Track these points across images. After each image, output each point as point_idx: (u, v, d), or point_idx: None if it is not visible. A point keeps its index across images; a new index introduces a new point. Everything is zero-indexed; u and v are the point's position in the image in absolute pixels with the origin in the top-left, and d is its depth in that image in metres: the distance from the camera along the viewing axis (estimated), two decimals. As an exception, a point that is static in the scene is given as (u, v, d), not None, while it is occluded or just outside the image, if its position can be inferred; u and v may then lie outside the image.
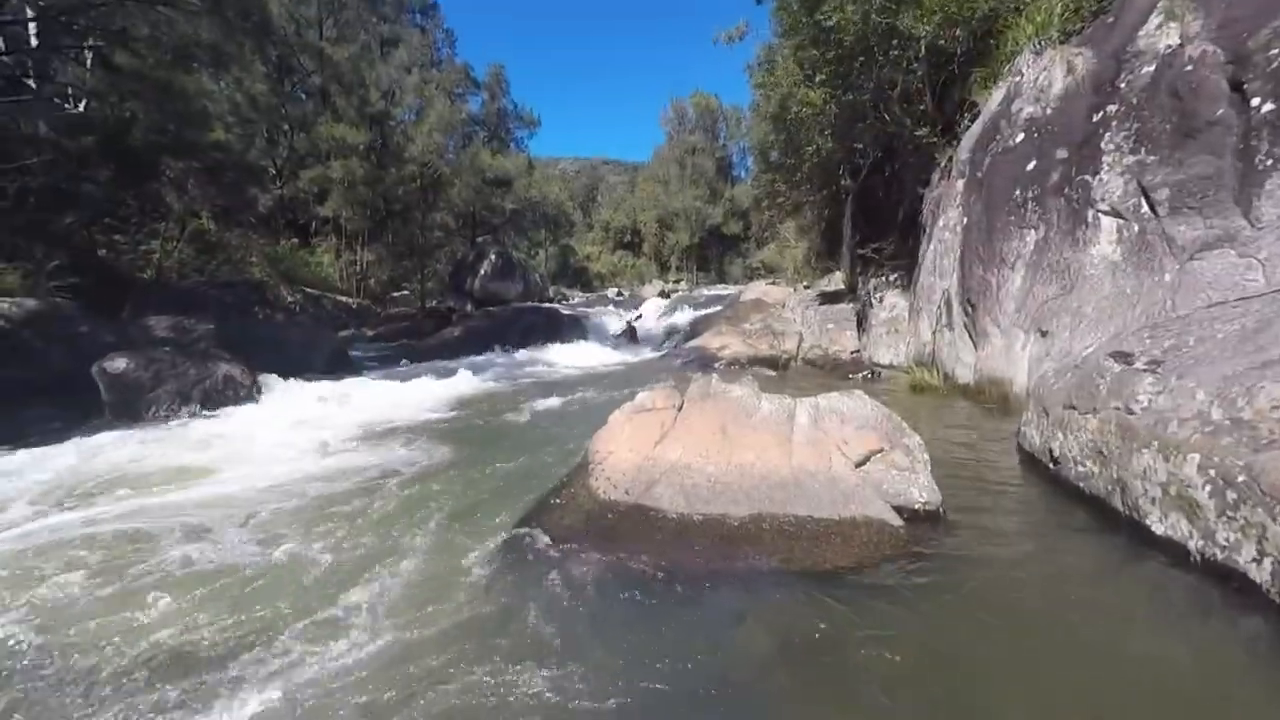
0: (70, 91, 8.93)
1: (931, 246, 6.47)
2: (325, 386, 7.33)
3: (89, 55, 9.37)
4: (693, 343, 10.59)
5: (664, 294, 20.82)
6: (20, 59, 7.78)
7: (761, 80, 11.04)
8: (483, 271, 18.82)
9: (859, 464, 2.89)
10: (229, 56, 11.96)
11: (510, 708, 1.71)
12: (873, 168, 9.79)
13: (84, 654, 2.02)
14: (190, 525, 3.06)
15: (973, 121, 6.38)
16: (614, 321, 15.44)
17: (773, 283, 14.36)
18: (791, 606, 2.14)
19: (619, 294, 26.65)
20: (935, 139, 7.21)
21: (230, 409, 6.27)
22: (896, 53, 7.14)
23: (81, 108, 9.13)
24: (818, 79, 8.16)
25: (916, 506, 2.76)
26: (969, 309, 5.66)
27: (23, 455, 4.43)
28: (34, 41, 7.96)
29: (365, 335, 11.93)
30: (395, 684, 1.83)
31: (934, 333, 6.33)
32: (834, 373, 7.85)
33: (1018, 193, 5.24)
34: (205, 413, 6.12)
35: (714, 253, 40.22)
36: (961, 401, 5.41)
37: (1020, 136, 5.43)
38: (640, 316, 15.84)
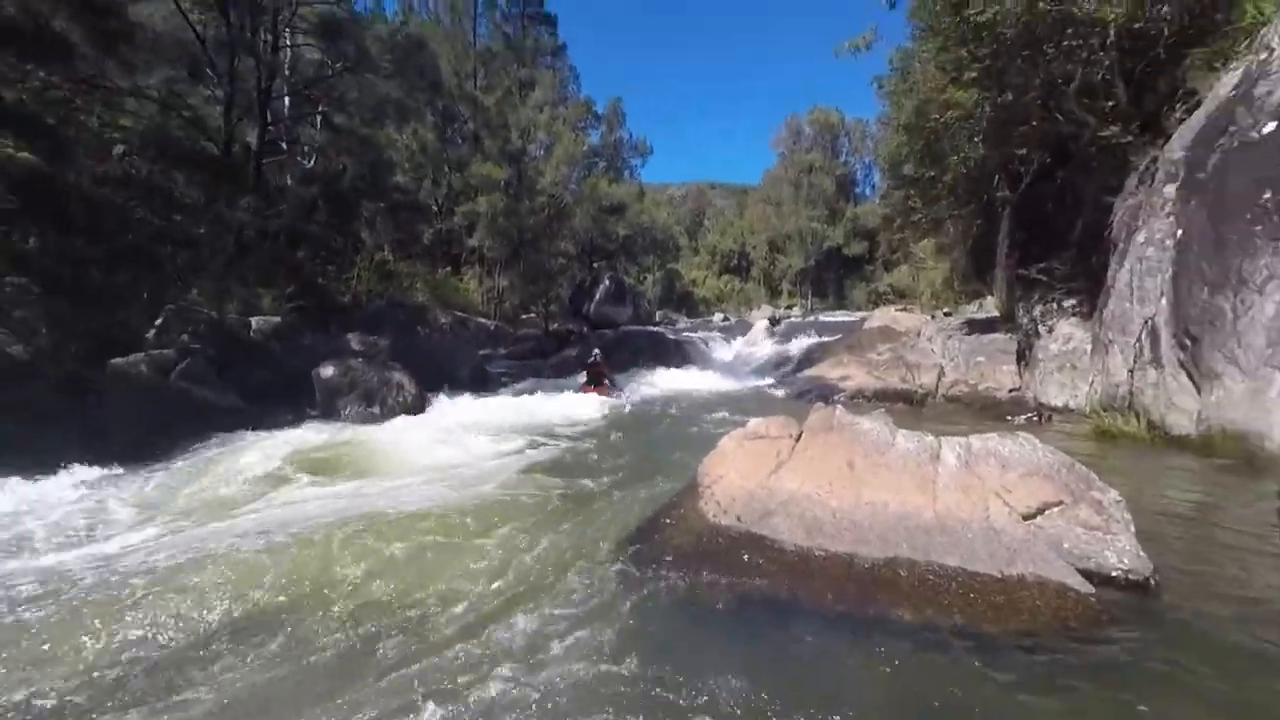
0: (305, 150, 11.44)
1: (1127, 266, 5.50)
2: (470, 399, 8.39)
3: (318, 119, 11.94)
4: (807, 372, 10.10)
5: (774, 320, 20.18)
6: (278, 127, 10.21)
7: (894, 88, 10.39)
8: (597, 296, 19.98)
9: (1028, 516, 2.54)
10: (410, 110, 14.41)
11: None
12: (1038, 175, 8.58)
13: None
14: (356, 510, 3.58)
15: (1188, 113, 5.35)
16: (719, 347, 15.30)
17: (904, 308, 13.23)
18: (936, 666, 1.92)
19: (725, 319, 26.39)
20: (1129, 137, 6.13)
21: (399, 413, 7.39)
22: (1072, 43, 6.29)
23: (310, 163, 11.65)
24: (965, 79, 7.46)
25: (1113, 573, 2.34)
26: (1187, 342, 4.68)
27: (265, 439, 5.65)
28: (287, 112, 10.43)
29: (500, 354, 13.30)
30: (494, 682, 1.89)
31: (1131, 371, 5.33)
32: (986, 413, 6.91)
33: (1268, 195, 4.26)
34: (380, 414, 7.28)
35: (832, 276, 38.14)
36: (1177, 456, 4.46)
37: (1271, 126, 4.43)
38: (746, 343, 15.56)
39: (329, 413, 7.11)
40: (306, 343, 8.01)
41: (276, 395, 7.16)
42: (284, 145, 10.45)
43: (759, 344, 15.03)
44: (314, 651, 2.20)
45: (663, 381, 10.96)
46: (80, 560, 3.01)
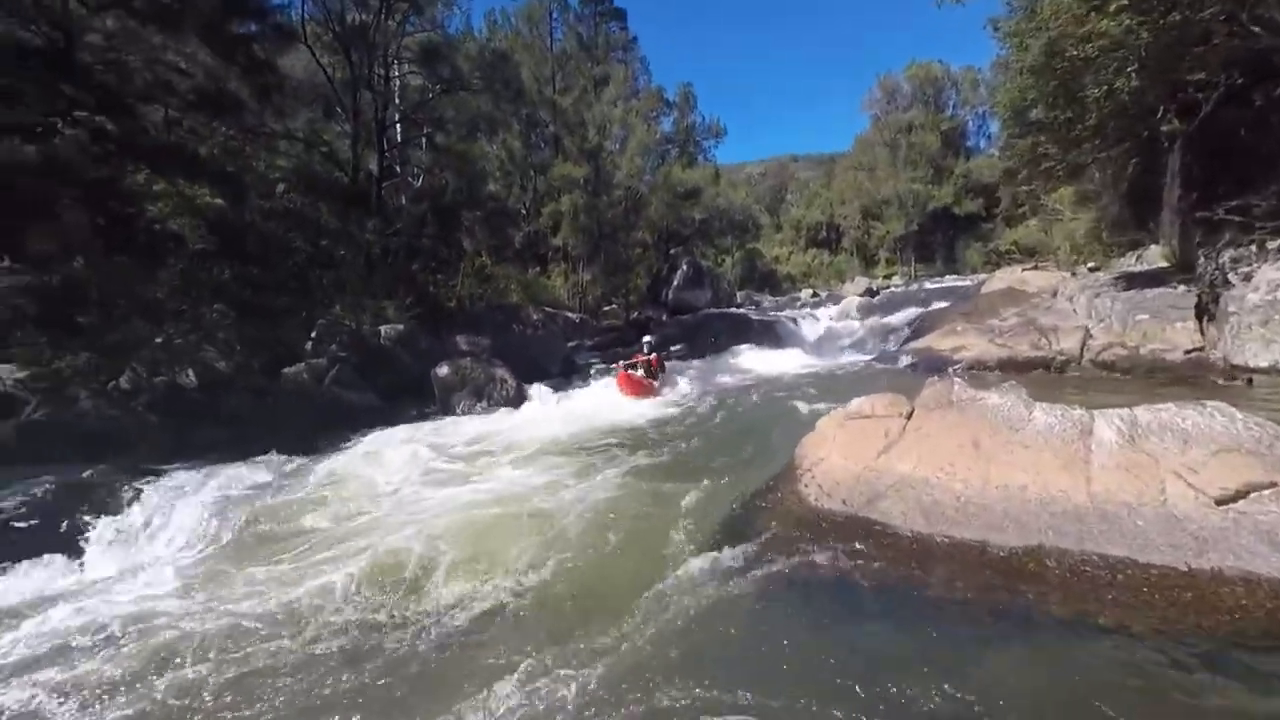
0: (414, 170, 12.70)
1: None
2: (562, 389, 8.96)
3: (423, 141, 13.14)
4: (913, 345, 9.27)
5: (871, 291, 18.84)
6: (392, 152, 11.43)
7: (1015, 28, 9.14)
8: (675, 282, 20.01)
9: (1224, 501, 2.18)
10: (499, 122, 15.31)
11: (715, 710, 1.68)
12: (1224, 100, 7.08)
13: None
14: (482, 492, 4.02)
15: None
16: (808, 324, 14.66)
17: (1033, 267, 11.73)
18: (1102, 663, 1.72)
19: (814, 295, 25.09)
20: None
21: (502, 405, 8.08)
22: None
23: (418, 182, 12.90)
24: (1113, 7, 6.38)
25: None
26: None
27: (400, 430, 6.50)
28: (399, 138, 11.65)
29: (586, 345, 13.90)
30: (597, 660, 1.94)
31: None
32: (1152, 378, 6.00)
33: None
34: (488, 406, 8.03)
35: (939, 239, 34.68)
36: None
37: None
38: (839, 318, 14.78)
39: (446, 407, 7.97)
40: (424, 346, 8.99)
41: (404, 394, 8.15)
42: (398, 168, 11.68)
43: (854, 318, 14.18)
44: (452, 611, 2.52)
45: (748, 363, 10.73)
46: (280, 528, 3.79)
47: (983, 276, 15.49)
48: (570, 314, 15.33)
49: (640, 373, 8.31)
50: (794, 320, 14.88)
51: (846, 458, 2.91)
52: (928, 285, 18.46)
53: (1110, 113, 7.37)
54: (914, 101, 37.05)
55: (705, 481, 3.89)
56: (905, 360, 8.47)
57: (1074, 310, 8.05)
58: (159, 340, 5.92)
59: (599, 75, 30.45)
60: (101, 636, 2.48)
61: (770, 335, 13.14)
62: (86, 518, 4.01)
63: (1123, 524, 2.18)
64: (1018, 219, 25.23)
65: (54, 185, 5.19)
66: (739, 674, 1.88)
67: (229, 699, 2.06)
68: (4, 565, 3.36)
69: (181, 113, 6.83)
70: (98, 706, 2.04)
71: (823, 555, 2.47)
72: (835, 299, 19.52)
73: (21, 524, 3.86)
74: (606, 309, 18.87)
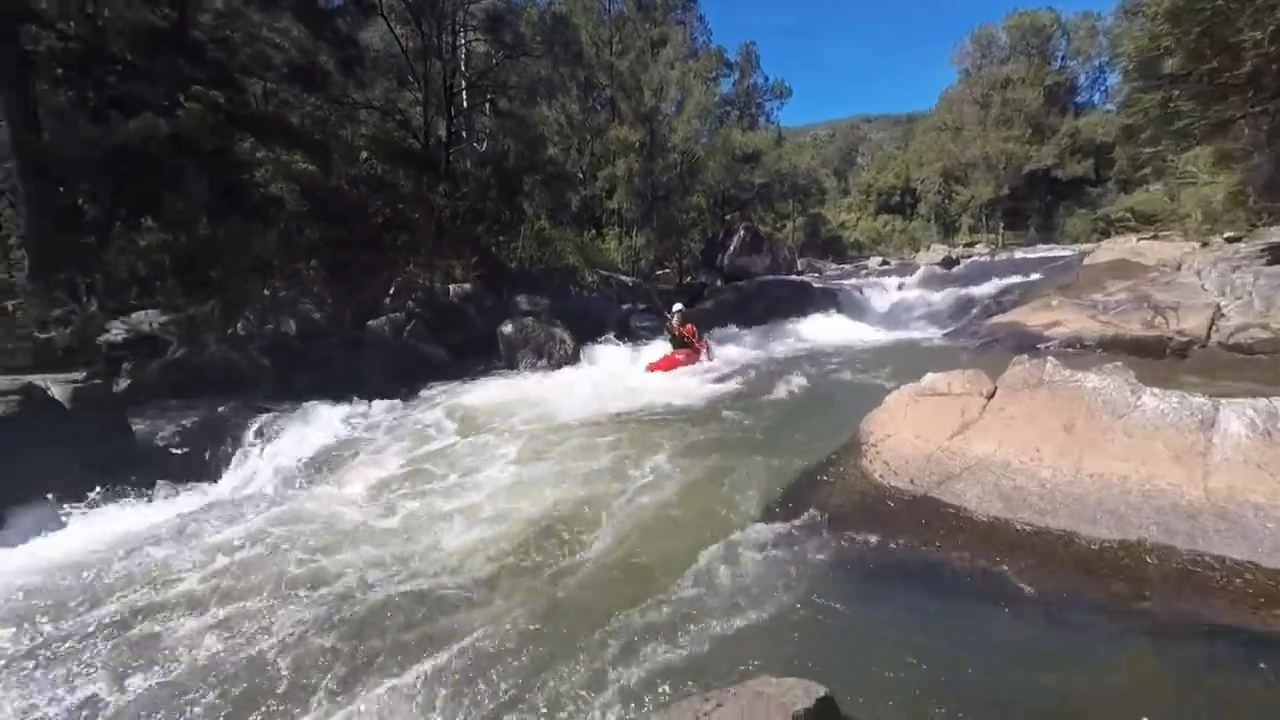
0: (479, 135, 13.14)
1: None
2: (617, 350, 9.22)
3: (487, 106, 13.48)
4: (997, 319, 8.54)
5: (950, 260, 17.54)
6: (459, 118, 11.88)
7: None
8: (731, 247, 19.56)
9: None
10: (557, 86, 15.36)
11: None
12: None
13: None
14: (543, 448, 4.34)
15: None
16: (876, 294, 13.94)
17: (1153, 236, 10.49)
18: (1211, 670, 1.62)
19: (883, 263, 23.71)
20: None
21: (562, 364, 8.50)
22: None
23: (482, 147, 13.34)
24: None
25: None
26: None
27: (469, 385, 7.05)
28: (465, 104, 12.05)
29: (638, 309, 14.08)
30: (651, 636, 1.94)
31: None
32: None
33: None
34: (548, 364, 8.46)
35: (1035, 205, 31.56)
36: None
37: None
38: (903, 286, 14.01)
39: (511, 364, 8.49)
40: (488, 305, 9.54)
41: (471, 349, 8.75)
42: (463, 134, 12.13)
43: (929, 288, 13.30)
44: (493, 563, 2.68)
45: (808, 333, 10.42)
46: (366, 465, 4.33)
47: (1087, 247, 14.02)
48: (624, 277, 15.51)
49: (690, 349, 7.91)
50: (860, 289, 14.09)
51: (917, 436, 2.82)
52: (1018, 255, 16.91)
53: (1271, 58, 6.27)
54: (1013, 54, 33.20)
55: (762, 451, 3.83)
56: (986, 336, 7.85)
57: (1202, 286, 7.07)
58: (266, 293, 6.72)
59: (656, 36, 29.40)
60: (233, 547, 2.99)
61: (833, 304, 12.56)
62: (219, 447, 4.77)
63: (1247, 525, 2.01)
64: (1136, 183, 22.28)
65: (182, 154, 5.97)
66: (801, 648, 1.89)
67: (327, 593, 2.55)
68: (161, 483, 4.06)
69: (277, 85, 7.50)
70: (232, 605, 2.51)
71: (888, 532, 2.41)
72: (908, 268, 18.22)
73: (174, 450, 4.63)
74: (660, 273, 18.91)
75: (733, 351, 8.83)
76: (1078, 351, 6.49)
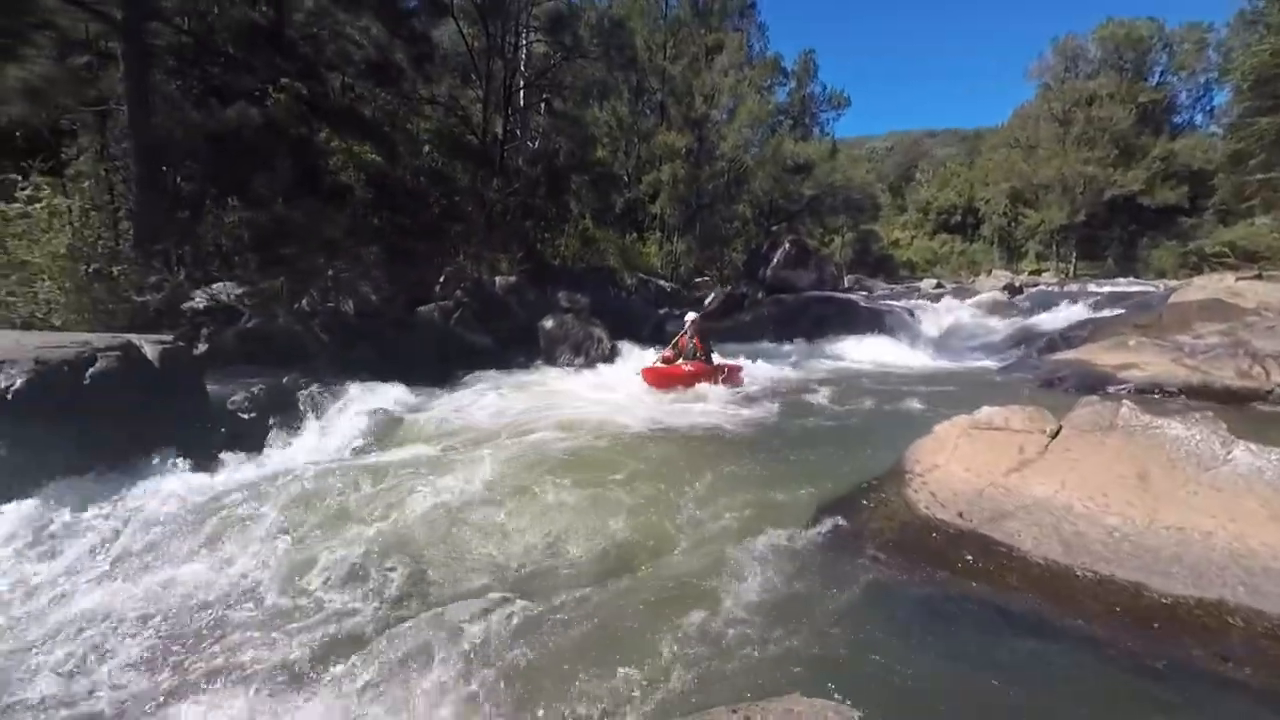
0: (532, 133, 13.60)
1: None
2: (653, 355, 9.31)
3: (542, 105, 13.92)
4: (1064, 355, 8.16)
5: (1013, 288, 16.80)
6: (515, 116, 12.34)
7: None
8: (775, 259, 19.34)
9: None
10: (610, 88, 15.67)
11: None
12: None
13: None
14: (577, 444, 4.44)
15: None
16: (928, 317, 13.43)
17: (1255, 275, 9.76)
18: None
19: (938, 286, 22.90)
20: None
21: (598, 362, 8.68)
22: None
23: (534, 145, 13.78)
24: None
25: None
26: None
27: (510, 376, 7.30)
28: (522, 102, 12.52)
29: (676, 314, 14.18)
30: (688, 647, 1.90)
31: None
32: None
33: None
34: (585, 362, 8.66)
35: (1115, 234, 29.72)
36: None
37: None
38: (957, 311, 13.52)
39: (550, 358, 8.74)
40: (530, 299, 9.85)
41: (513, 341, 9.05)
42: (518, 131, 12.58)
43: (987, 316, 12.78)
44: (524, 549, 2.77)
45: (852, 353, 10.18)
46: (416, 440, 4.59)
47: (1174, 284, 13.14)
48: (663, 282, 15.66)
49: (673, 359, 6.90)
50: (910, 311, 13.59)
51: (969, 469, 2.74)
52: (1091, 288, 15.89)
53: None
54: (1102, 67, 31.20)
55: (799, 469, 3.75)
56: (1049, 372, 7.39)
57: (1316, 332, 6.47)
58: (330, 272, 7.18)
59: (711, 43, 29.49)
60: (296, 503, 3.25)
61: (880, 326, 12.13)
62: (283, 414, 5.14)
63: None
64: (1239, 215, 20.56)
65: (271, 140, 6.50)
66: (833, 670, 1.84)
67: (386, 545, 2.77)
68: (234, 443, 4.39)
69: (354, 80, 8.04)
70: (300, 552, 2.75)
71: (932, 564, 2.36)
72: (965, 292, 17.55)
73: (242, 415, 5.01)
74: (699, 280, 18.96)
75: (771, 368, 8.63)
76: (1156, 397, 6.08)
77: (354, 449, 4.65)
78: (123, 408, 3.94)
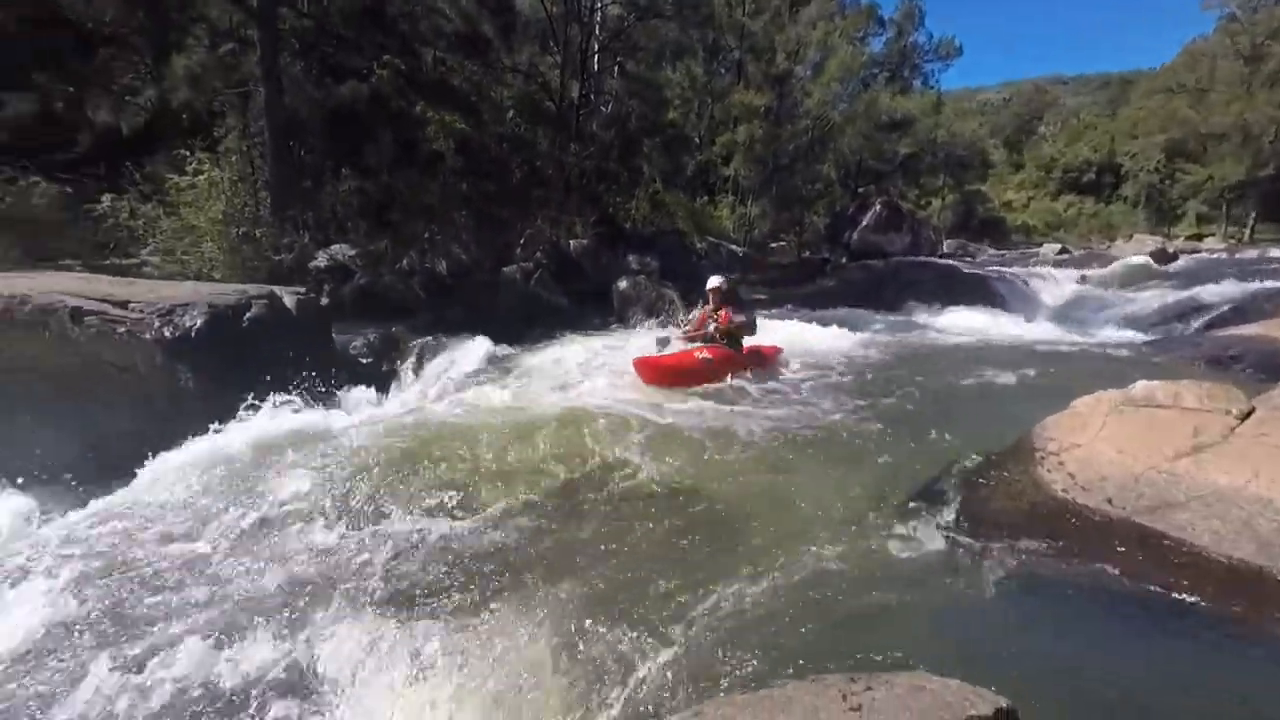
0: (606, 97, 13.63)
1: None
2: (667, 333, 9.14)
3: (615, 69, 13.84)
4: (1232, 330, 7.13)
5: (1165, 254, 14.53)
6: (590, 80, 12.43)
7: None
8: (864, 222, 18.13)
9: None
10: (685, 48, 15.17)
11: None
12: None
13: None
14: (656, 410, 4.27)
15: None
16: (1049, 286, 11.85)
17: None
18: None
19: (1062, 251, 20.03)
20: None
21: (669, 325, 8.79)
22: None
23: (608, 109, 13.81)
24: None
25: None
26: None
27: (586, 337, 7.59)
28: (596, 67, 12.54)
29: (749, 279, 13.88)
30: (795, 626, 1.80)
31: None
32: None
33: None
34: (656, 324, 8.80)
35: None
36: None
37: None
38: (1085, 279, 11.94)
39: (622, 319, 8.99)
40: (603, 262, 10.12)
41: (588, 301, 9.42)
42: (592, 96, 12.66)
43: (1127, 286, 11.21)
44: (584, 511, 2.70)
45: (955, 323, 9.32)
46: (504, 390, 4.91)
47: None
48: (734, 247, 15.30)
49: (677, 346, 5.18)
50: (1024, 280, 12.14)
51: (1121, 451, 2.47)
52: (1274, 252, 13.45)
53: None
54: None
55: (903, 441, 3.45)
56: (1212, 349, 6.33)
57: None
58: (427, 236, 7.86)
59: (798, -7, 27.17)
60: (394, 443, 3.40)
61: (988, 294, 10.95)
62: (389, 364, 5.82)
63: None
64: None
65: (376, 114, 7.17)
66: (956, 651, 1.74)
67: (476, 480, 3.01)
68: (349, 387, 4.95)
69: (445, 53, 8.53)
70: (401, 486, 2.92)
71: (1071, 551, 2.16)
72: (1098, 259, 15.32)
73: (361, 360, 5.74)
74: (774, 245, 18.29)
75: (863, 334, 7.88)
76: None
77: (452, 394, 5.14)
78: (270, 347, 4.69)
